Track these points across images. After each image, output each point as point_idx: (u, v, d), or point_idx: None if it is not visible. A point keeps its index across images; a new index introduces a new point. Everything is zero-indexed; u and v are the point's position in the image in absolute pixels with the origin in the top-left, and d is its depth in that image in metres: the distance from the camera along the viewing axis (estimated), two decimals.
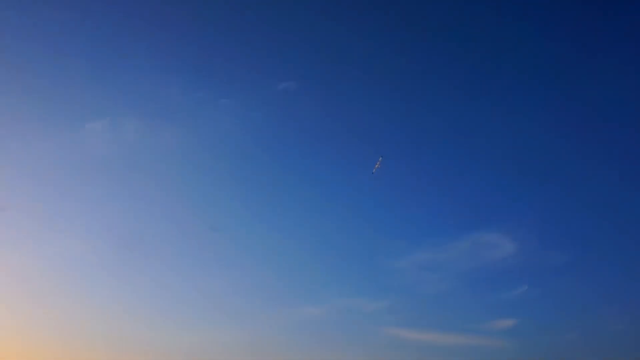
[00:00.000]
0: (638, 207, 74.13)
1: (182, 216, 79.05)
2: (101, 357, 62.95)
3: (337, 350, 67.32)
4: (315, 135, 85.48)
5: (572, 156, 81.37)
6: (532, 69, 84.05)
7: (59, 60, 78.53)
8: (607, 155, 79.52)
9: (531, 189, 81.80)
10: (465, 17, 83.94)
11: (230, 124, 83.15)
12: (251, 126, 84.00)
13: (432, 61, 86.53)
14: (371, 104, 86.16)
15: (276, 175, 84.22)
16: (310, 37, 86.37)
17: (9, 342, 62.15)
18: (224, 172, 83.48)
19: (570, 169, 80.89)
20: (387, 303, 73.86)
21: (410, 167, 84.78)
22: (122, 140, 79.06)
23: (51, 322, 66.21)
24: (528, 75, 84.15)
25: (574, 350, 65.49)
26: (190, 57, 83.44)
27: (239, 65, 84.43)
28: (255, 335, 68.59)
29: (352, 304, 73.67)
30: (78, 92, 77.93)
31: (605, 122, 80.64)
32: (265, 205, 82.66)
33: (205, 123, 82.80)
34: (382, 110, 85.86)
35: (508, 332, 69.26)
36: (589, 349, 65.25)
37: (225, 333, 68.34)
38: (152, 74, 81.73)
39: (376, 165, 58.31)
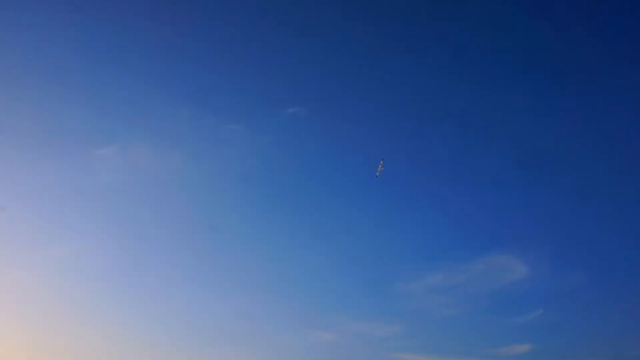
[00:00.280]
0: None
1: (192, 241, 78.99)
2: None
3: None
4: (324, 160, 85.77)
5: (585, 172, 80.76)
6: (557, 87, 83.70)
7: (71, 87, 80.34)
8: (623, 169, 78.63)
9: (542, 208, 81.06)
10: (482, 43, 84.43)
11: (238, 149, 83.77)
12: (259, 151, 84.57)
13: (443, 87, 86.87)
14: (380, 127, 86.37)
15: (285, 200, 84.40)
16: (319, 61, 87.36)
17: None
18: (233, 198, 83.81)
19: (583, 184, 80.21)
20: (398, 327, 72.71)
21: (420, 189, 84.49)
22: (132, 167, 79.78)
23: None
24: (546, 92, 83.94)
25: None
26: (198, 82, 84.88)
27: (247, 90, 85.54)
28: None
29: (363, 329, 72.67)
30: (88, 119, 79.16)
31: (623, 135, 79.93)
32: (275, 230, 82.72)
33: (214, 148, 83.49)
34: (391, 134, 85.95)
35: (524, 357, 67.52)
36: None
37: (235, 358, 67.37)
38: (161, 100, 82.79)
39: (379, 169, 58.10)
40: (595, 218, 78.36)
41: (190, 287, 74.58)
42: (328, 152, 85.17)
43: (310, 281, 78.33)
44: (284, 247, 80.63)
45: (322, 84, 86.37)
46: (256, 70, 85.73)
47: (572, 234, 78.38)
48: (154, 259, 76.16)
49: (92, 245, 74.15)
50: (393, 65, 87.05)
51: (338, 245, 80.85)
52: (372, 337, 71.59)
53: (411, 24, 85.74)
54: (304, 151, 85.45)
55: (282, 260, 79.05)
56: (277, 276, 77.68)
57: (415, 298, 75.16)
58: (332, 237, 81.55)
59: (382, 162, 58.15)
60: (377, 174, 58.49)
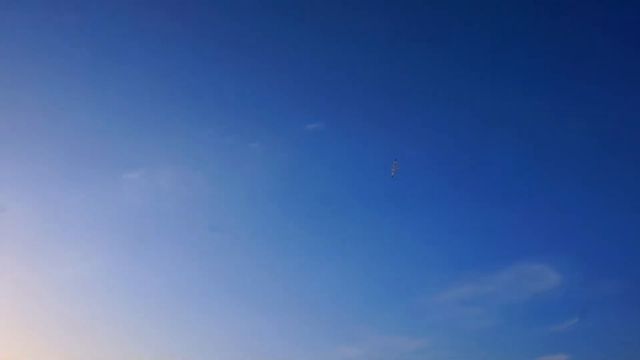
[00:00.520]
0: None
1: (215, 261, 79.68)
2: None
3: None
4: (345, 174, 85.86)
5: (618, 176, 78.43)
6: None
7: (98, 112, 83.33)
8: None
9: (572, 214, 78.77)
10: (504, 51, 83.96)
11: (260, 167, 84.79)
12: (281, 168, 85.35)
13: (465, 95, 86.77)
14: (401, 138, 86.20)
15: (308, 216, 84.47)
16: (337, 77, 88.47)
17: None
18: (255, 216, 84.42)
19: (615, 189, 77.73)
20: (427, 340, 70.88)
21: (445, 198, 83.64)
22: (157, 190, 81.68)
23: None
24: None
25: None
26: (218, 103, 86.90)
27: (266, 108, 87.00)
28: None
29: (392, 343, 71.13)
30: (115, 143, 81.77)
31: None
32: (298, 245, 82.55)
33: (236, 168, 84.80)
34: (413, 144, 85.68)
35: None
36: None
37: None
38: (183, 122, 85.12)
39: (393, 169, 58.45)
40: (629, 223, 75.56)
41: (214, 306, 75.09)
42: (349, 165, 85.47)
43: (335, 295, 77.49)
44: (307, 262, 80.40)
45: (340, 98, 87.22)
46: (274, 88, 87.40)
47: (605, 240, 75.71)
48: (178, 278, 76.99)
49: (117, 264, 75.97)
50: (413, 75, 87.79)
51: (362, 258, 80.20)
52: (400, 351, 70.03)
53: (429, 29, 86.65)
54: (325, 166, 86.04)
55: (306, 275, 79.00)
56: (301, 291, 77.59)
57: (443, 310, 73.45)
58: (356, 251, 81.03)
59: (395, 162, 58.41)
60: (392, 174, 58.91)
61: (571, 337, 67.95)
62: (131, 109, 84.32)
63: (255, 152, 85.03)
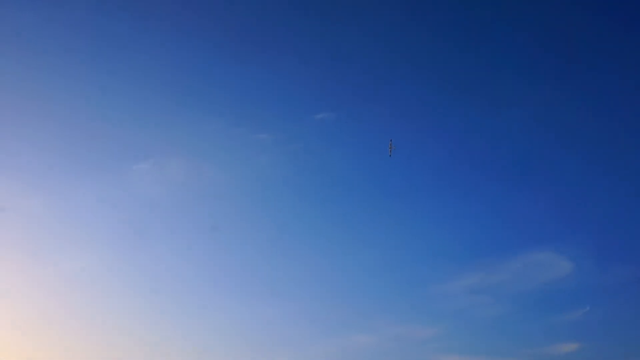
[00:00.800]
0: None
1: (227, 250, 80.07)
2: None
3: None
4: (357, 163, 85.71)
5: (629, 160, 78.05)
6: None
7: (107, 104, 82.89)
8: None
9: (584, 200, 78.61)
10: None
11: (269, 157, 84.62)
12: (290, 158, 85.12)
13: (475, 79, 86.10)
14: (410, 129, 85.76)
15: (317, 205, 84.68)
16: (346, 66, 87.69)
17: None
18: (265, 205, 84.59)
19: (626, 174, 77.36)
20: (438, 329, 71.53)
21: (454, 185, 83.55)
22: (167, 181, 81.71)
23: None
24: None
25: None
26: (227, 93, 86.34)
27: (275, 98, 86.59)
28: None
29: (403, 331, 71.87)
30: (124, 135, 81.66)
31: None
32: (309, 234, 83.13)
33: (245, 158, 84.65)
34: (422, 136, 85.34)
35: (571, 356, 65.71)
36: None
37: None
38: (192, 113, 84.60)
39: (390, 148, 59.25)
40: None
41: (226, 294, 75.68)
42: (359, 155, 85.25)
43: (346, 284, 77.99)
44: (318, 252, 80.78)
45: (350, 87, 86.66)
46: (283, 78, 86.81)
47: (617, 226, 75.64)
48: (190, 269, 77.59)
49: (128, 256, 76.39)
50: (424, 63, 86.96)
51: (372, 247, 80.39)
52: (411, 340, 70.79)
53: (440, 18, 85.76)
54: (335, 156, 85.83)
55: (317, 265, 79.20)
56: (312, 280, 77.95)
57: (453, 299, 73.89)
58: (366, 240, 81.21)
59: (391, 141, 59.09)
60: (390, 154, 59.71)
61: (582, 325, 68.60)
62: (140, 100, 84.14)
63: (265, 142, 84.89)
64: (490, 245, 78.29)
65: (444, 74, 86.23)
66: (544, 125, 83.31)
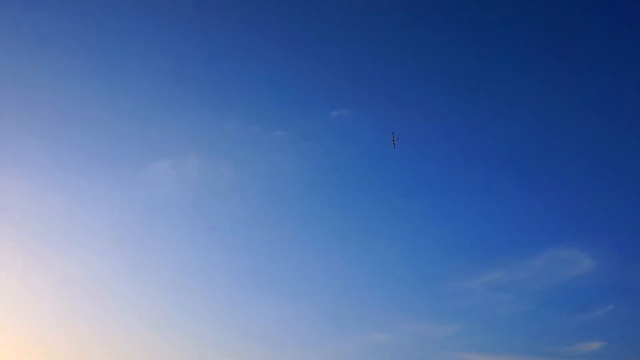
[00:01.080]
0: None
1: (245, 248, 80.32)
2: None
3: None
4: (373, 160, 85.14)
5: None
6: None
7: (125, 104, 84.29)
8: None
9: (606, 197, 76.78)
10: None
11: (286, 155, 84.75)
12: (307, 156, 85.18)
13: (493, 78, 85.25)
14: (428, 126, 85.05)
15: (335, 202, 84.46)
16: (361, 63, 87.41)
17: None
18: (283, 203, 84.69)
19: None
20: (458, 327, 70.60)
21: (475, 182, 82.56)
22: (185, 179, 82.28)
23: None
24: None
25: None
26: (243, 91, 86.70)
27: (291, 96, 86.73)
28: None
29: (421, 329, 71.02)
30: (143, 134, 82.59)
31: None
32: (328, 232, 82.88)
33: (262, 156, 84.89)
34: (441, 132, 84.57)
35: (594, 355, 64.22)
36: None
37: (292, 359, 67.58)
38: (209, 111, 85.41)
39: (393, 141, 59.63)
40: None
41: (242, 292, 75.82)
42: (375, 151, 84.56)
43: (363, 282, 77.49)
44: (336, 249, 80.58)
45: (364, 85, 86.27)
46: (298, 76, 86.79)
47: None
48: (208, 266, 78.19)
49: (148, 253, 77.35)
50: (440, 60, 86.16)
51: (390, 245, 79.97)
52: (431, 337, 70.00)
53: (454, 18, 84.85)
54: (350, 153, 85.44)
55: (333, 262, 78.96)
56: (329, 278, 77.70)
57: (474, 296, 72.75)
58: (383, 237, 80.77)
59: (393, 134, 59.23)
60: (394, 146, 60.10)
61: (606, 324, 66.99)
62: (157, 99, 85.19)
63: (281, 140, 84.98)
64: (511, 242, 77.19)
65: (462, 71, 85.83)
66: (567, 123, 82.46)
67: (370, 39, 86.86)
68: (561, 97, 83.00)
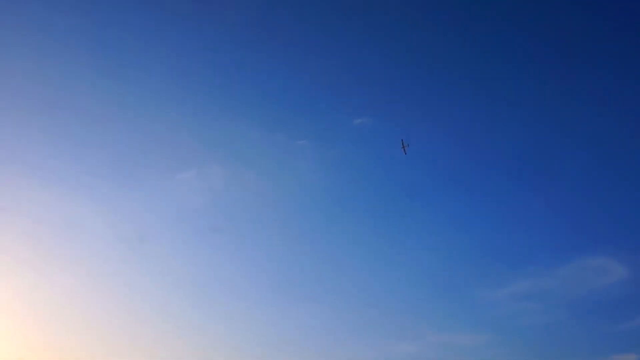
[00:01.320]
0: None
1: (270, 256, 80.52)
2: None
3: None
4: (397, 168, 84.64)
5: None
6: None
7: (151, 116, 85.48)
8: None
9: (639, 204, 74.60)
10: None
11: (309, 163, 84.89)
12: (330, 164, 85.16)
13: (518, 88, 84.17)
14: (451, 133, 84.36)
15: (360, 211, 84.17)
16: (383, 72, 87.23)
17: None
18: (306, 213, 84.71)
19: None
20: (485, 337, 69.34)
21: (501, 190, 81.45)
22: (210, 190, 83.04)
23: None
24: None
25: None
26: (265, 101, 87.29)
27: (313, 104, 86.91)
28: None
29: (447, 339, 70.00)
30: (168, 145, 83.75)
31: None
32: (352, 241, 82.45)
33: (284, 165, 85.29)
34: (466, 140, 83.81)
35: None
36: None
37: None
38: (232, 122, 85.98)
39: (403, 147, 59.87)
40: None
41: (267, 298, 76.06)
42: (398, 159, 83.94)
43: (388, 291, 76.97)
44: (362, 259, 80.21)
45: (386, 93, 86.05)
46: (321, 85, 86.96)
47: None
48: (234, 275, 78.50)
49: (176, 262, 77.98)
50: (460, 67, 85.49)
51: (417, 253, 79.14)
52: (456, 348, 68.82)
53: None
54: (373, 161, 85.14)
55: (358, 270, 78.66)
56: (355, 286, 77.28)
57: (501, 306, 71.50)
58: (410, 246, 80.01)
59: (402, 141, 59.03)
60: (405, 152, 60.35)
61: None
62: (182, 110, 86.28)
63: (304, 149, 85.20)
64: (541, 250, 75.94)
65: (489, 82, 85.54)
66: (592, 130, 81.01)
67: (391, 48, 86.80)
68: (590, 105, 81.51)
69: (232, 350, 69.21)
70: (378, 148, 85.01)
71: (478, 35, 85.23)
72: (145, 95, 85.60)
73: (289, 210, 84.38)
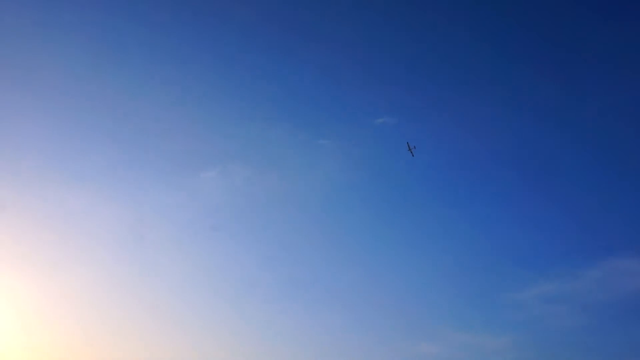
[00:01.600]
0: None
1: (294, 257, 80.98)
2: None
3: None
4: (418, 168, 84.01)
5: None
6: None
7: (176, 116, 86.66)
8: None
9: None
10: None
11: (331, 163, 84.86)
12: (352, 163, 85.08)
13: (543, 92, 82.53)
14: (475, 135, 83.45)
15: (383, 211, 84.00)
16: (405, 70, 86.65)
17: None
18: (328, 212, 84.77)
19: None
20: (509, 339, 68.58)
21: (527, 189, 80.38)
22: (233, 188, 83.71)
23: None
24: None
25: None
26: (288, 100, 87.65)
27: (336, 103, 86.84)
28: None
29: (471, 341, 69.54)
30: (192, 144, 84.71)
31: None
32: (375, 241, 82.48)
33: (307, 164, 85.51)
34: (492, 140, 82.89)
35: None
36: None
37: None
38: (255, 121, 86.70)
39: (410, 150, 59.79)
40: None
41: (289, 301, 76.53)
42: (421, 158, 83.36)
43: (413, 292, 76.86)
44: (385, 259, 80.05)
45: (409, 91, 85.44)
46: (343, 83, 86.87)
47: None
48: (257, 273, 79.11)
49: (200, 259, 79.10)
50: (484, 66, 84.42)
51: (441, 253, 78.66)
52: (480, 350, 68.24)
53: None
54: (395, 160, 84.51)
55: (385, 272, 78.51)
56: (380, 288, 77.13)
57: (526, 308, 70.57)
58: (434, 246, 79.64)
59: (408, 143, 60.17)
60: (412, 154, 60.42)
61: None
62: (205, 110, 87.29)
63: (327, 148, 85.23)
64: (568, 251, 74.67)
65: (503, 79, 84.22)
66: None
67: (416, 45, 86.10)
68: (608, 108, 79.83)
69: (251, 345, 70.14)
70: (400, 147, 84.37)
71: (496, 37, 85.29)
72: (172, 94, 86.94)
73: (311, 208, 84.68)
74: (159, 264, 76.99)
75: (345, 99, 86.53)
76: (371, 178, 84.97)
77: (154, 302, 73.08)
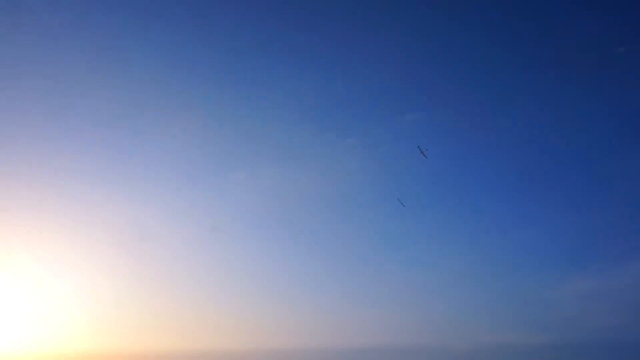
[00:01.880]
0: None
1: (322, 256, 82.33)
2: None
3: None
4: (449, 164, 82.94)
5: None
6: None
7: (206, 120, 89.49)
8: None
9: None
10: None
11: (360, 162, 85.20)
12: (382, 161, 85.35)
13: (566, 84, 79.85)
14: (506, 130, 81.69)
15: (411, 208, 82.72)
16: (434, 67, 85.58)
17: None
18: (359, 211, 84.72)
19: None
20: (546, 338, 67.13)
21: (565, 184, 78.61)
22: (261, 189, 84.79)
23: None
24: None
25: None
26: (313, 99, 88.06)
27: (362, 101, 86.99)
28: None
29: (506, 339, 68.25)
30: (222, 146, 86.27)
31: None
32: (407, 240, 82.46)
33: (334, 164, 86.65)
34: (527, 136, 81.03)
35: None
36: None
37: None
38: (281, 122, 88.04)
39: (422, 153, 59.05)
40: None
41: (319, 299, 77.08)
42: (452, 154, 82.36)
43: (446, 290, 75.99)
44: (416, 257, 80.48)
45: (440, 86, 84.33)
46: (368, 80, 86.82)
47: None
48: (288, 272, 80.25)
49: (232, 259, 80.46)
50: (512, 67, 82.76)
51: (475, 250, 78.11)
52: (517, 348, 66.79)
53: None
54: (423, 158, 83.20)
55: (411, 269, 78.42)
56: (410, 287, 77.29)
57: (564, 306, 68.39)
58: (467, 243, 79.00)
59: (419, 147, 58.26)
60: (426, 157, 59.65)
61: None
62: (235, 113, 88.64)
63: (353, 147, 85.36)
64: (607, 246, 72.12)
65: (532, 77, 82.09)
66: None
67: (445, 44, 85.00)
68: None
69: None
70: (427, 145, 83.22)
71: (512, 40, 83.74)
72: (200, 97, 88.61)
73: (339, 207, 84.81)
74: (193, 258, 79.86)
75: (372, 95, 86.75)
76: (399, 176, 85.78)
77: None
